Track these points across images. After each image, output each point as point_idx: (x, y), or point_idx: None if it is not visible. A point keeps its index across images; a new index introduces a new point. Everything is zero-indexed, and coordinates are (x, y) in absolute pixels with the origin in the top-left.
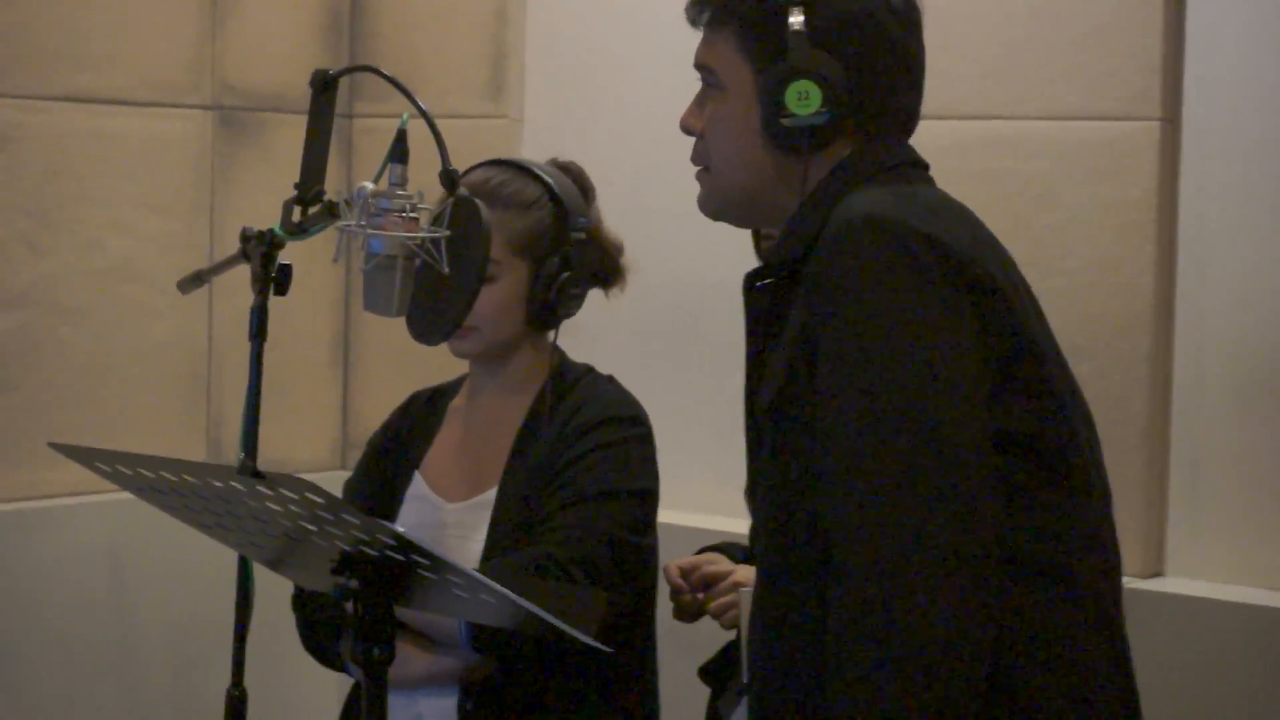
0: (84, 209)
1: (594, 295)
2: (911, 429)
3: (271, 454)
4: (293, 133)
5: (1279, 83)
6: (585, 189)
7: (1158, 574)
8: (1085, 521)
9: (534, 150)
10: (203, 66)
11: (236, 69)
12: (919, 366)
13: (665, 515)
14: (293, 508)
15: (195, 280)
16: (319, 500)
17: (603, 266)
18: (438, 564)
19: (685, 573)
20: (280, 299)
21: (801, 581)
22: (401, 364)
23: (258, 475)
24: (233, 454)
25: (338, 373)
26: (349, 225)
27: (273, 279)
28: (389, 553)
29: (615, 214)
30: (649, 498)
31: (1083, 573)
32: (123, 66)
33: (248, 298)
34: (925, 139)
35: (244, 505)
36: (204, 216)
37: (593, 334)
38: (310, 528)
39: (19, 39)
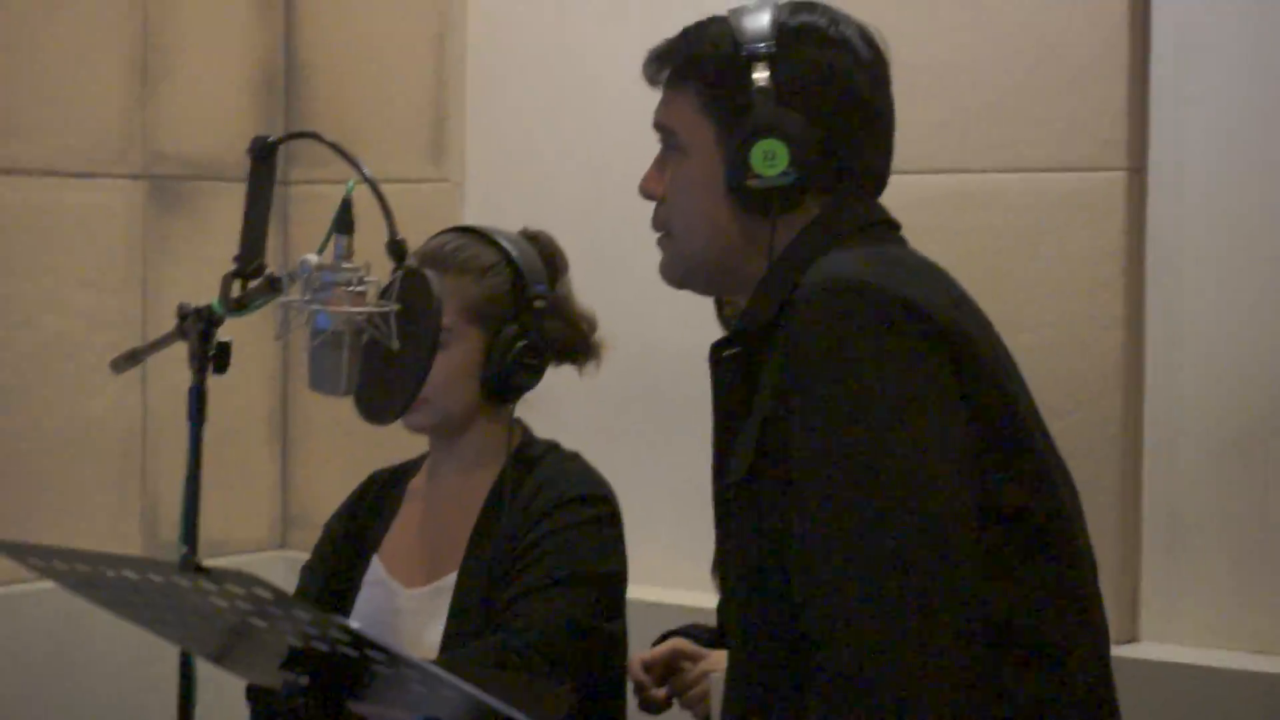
0: (11, 285)
1: (561, 368)
2: (897, 506)
3: (209, 534)
4: (229, 201)
5: (1245, 130)
6: (553, 258)
7: (1132, 639)
8: (1076, 597)
9: (476, 214)
10: (132, 134)
11: (168, 136)
12: (903, 439)
13: (630, 591)
14: (239, 603)
15: (130, 359)
16: (268, 595)
17: (571, 341)
18: (393, 659)
19: (648, 666)
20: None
21: (775, 665)
22: (343, 439)
23: (201, 570)
24: (169, 535)
25: (276, 449)
26: (293, 301)
27: (211, 357)
28: (342, 648)
29: None
30: (616, 581)
31: (1074, 653)
32: (48, 135)
33: (183, 374)
34: (889, 194)
35: (186, 601)
36: (137, 290)
37: (549, 404)
38: (258, 623)
39: None
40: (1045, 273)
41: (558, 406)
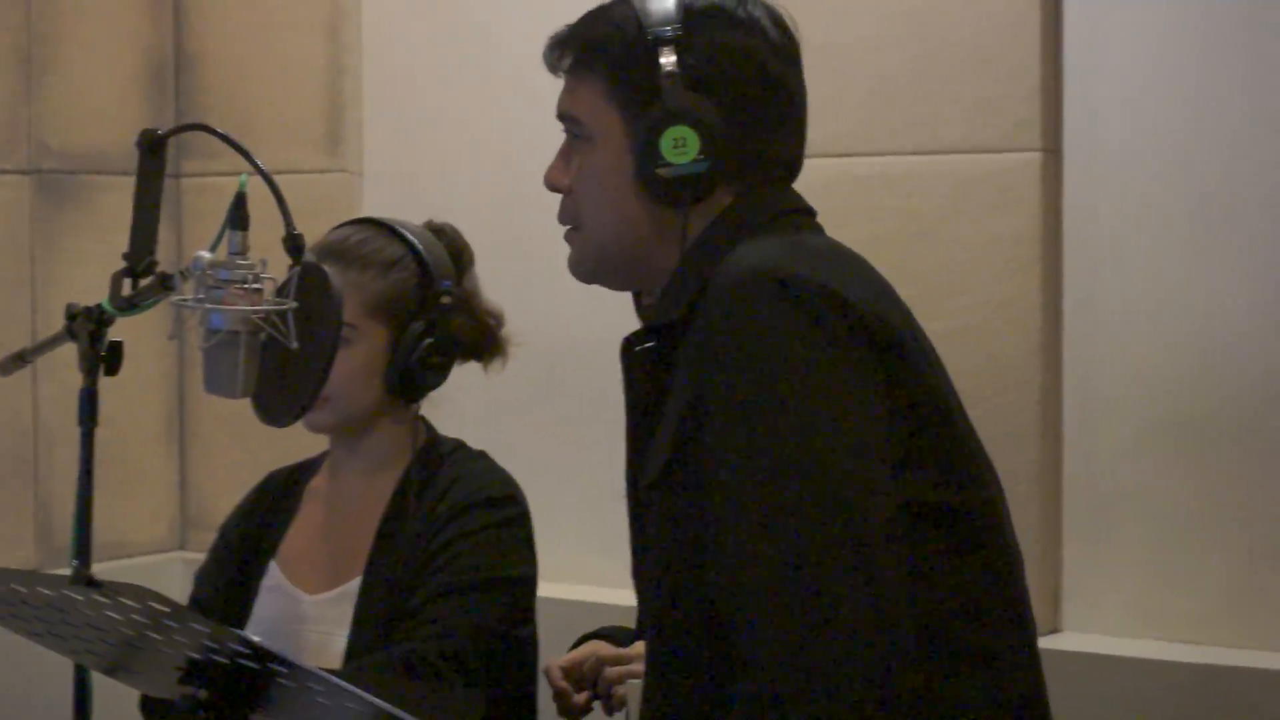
0: None
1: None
2: (816, 504)
3: (107, 535)
4: (119, 196)
5: (1162, 107)
6: (459, 252)
7: (1055, 630)
8: (1005, 595)
9: (376, 206)
10: (17, 127)
11: (55, 129)
12: (823, 434)
13: (542, 589)
14: (134, 616)
15: (17, 360)
16: (163, 609)
17: (477, 337)
18: (296, 671)
19: (567, 671)
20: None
21: (694, 672)
22: (242, 437)
23: (93, 584)
24: (64, 539)
25: (173, 449)
26: (185, 300)
27: (102, 358)
28: (241, 660)
29: None
30: (526, 585)
31: (1004, 651)
32: None
33: (75, 373)
34: (802, 176)
35: (79, 614)
36: (24, 289)
37: (452, 399)
38: (154, 635)
39: None
40: (961, 256)
41: (461, 402)
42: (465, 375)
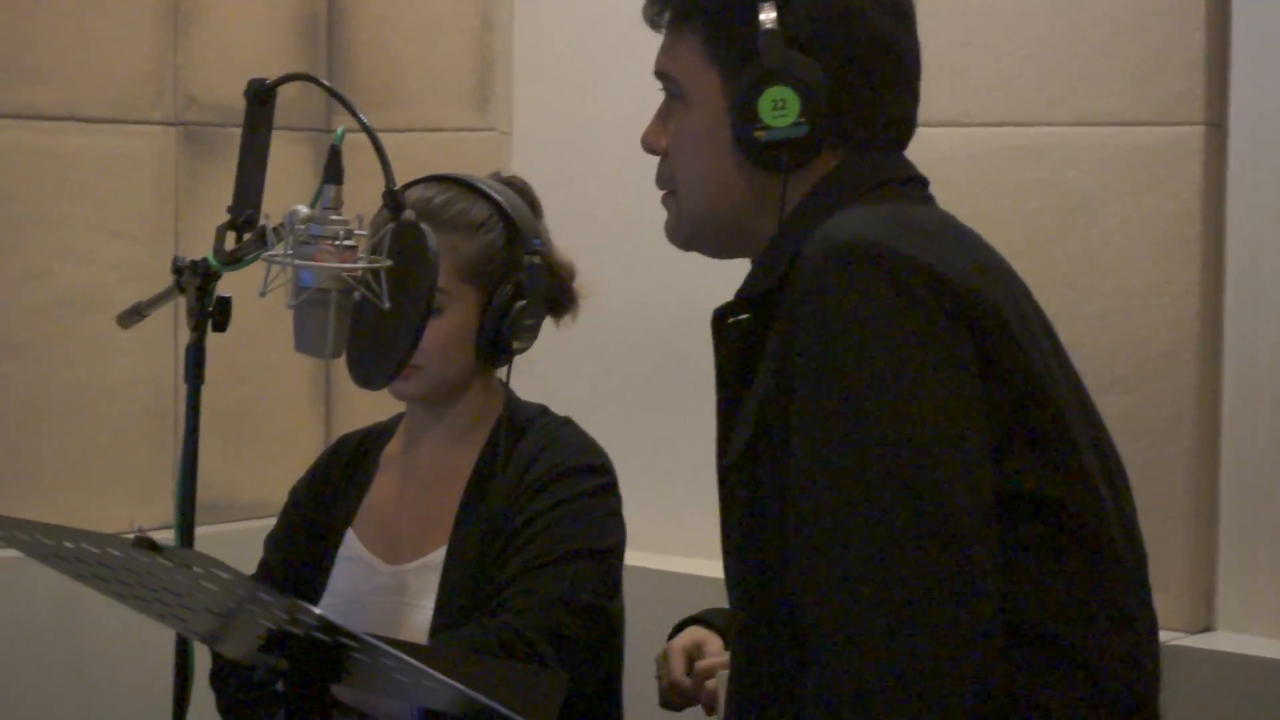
0: (31, 235)
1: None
2: (902, 493)
3: (250, 496)
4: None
5: None
6: (534, 205)
7: (1207, 629)
8: (1108, 595)
9: (524, 165)
10: (164, 79)
11: (201, 81)
12: (912, 418)
13: (630, 558)
14: (204, 584)
15: (134, 314)
16: (227, 577)
17: (556, 293)
18: (367, 647)
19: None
20: (242, 331)
21: (777, 662)
22: (389, 398)
23: (155, 549)
24: (204, 495)
25: (319, 409)
26: (275, 255)
27: (210, 314)
28: (315, 633)
29: (607, 233)
30: (615, 556)
31: (1104, 656)
32: (74, 80)
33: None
34: (946, 148)
35: (155, 578)
36: (167, 241)
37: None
38: (229, 604)
39: None
40: (1115, 234)
41: (546, 364)
42: (555, 339)
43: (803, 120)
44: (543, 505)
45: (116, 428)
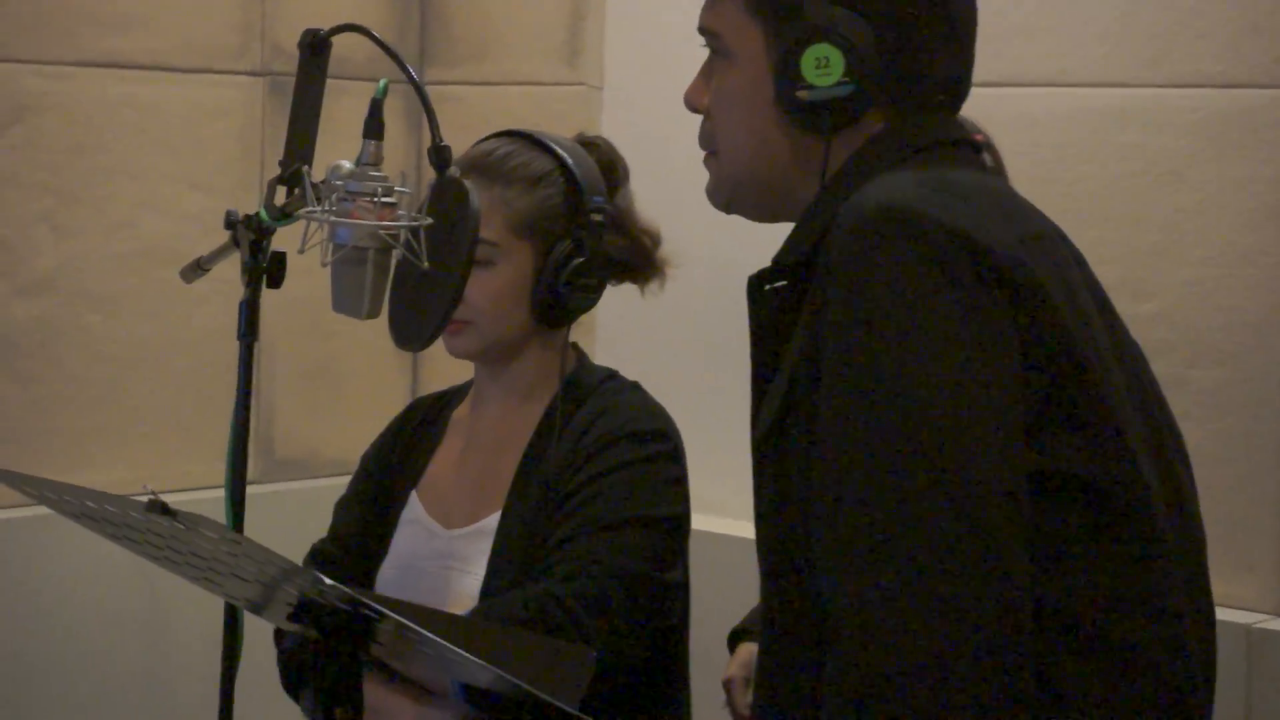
0: (115, 186)
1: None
2: (930, 470)
3: (332, 453)
4: (356, 101)
5: None
6: (612, 167)
7: None
8: (1148, 582)
9: (615, 121)
10: (251, 28)
11: (289, 31)
12: (942, 392)
13: (698, 523)
14: (224, 549)
15: (196, 268)
16: (237, 542)
17: (633, 258)
18: (391, 622)
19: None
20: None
21: (801, 641)
22: None
23: (167, 512)
24: (285, 452)
25: (405, 366)
26: (313, 211)
27: (264, 269)
28: (340, 604)
29: (699, 191)
30: (676, 525)
31: (1141, 646)
32: (160, 28)
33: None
34: (1037, 109)
35: (178, 541)
36: (252, 193)
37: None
38: (252, 570)
39: None
40: (1208, 200)
41: (623, 329)
42: (628, 303)
43: (847, 79)
44: (595, 470)
45: (198, 382)
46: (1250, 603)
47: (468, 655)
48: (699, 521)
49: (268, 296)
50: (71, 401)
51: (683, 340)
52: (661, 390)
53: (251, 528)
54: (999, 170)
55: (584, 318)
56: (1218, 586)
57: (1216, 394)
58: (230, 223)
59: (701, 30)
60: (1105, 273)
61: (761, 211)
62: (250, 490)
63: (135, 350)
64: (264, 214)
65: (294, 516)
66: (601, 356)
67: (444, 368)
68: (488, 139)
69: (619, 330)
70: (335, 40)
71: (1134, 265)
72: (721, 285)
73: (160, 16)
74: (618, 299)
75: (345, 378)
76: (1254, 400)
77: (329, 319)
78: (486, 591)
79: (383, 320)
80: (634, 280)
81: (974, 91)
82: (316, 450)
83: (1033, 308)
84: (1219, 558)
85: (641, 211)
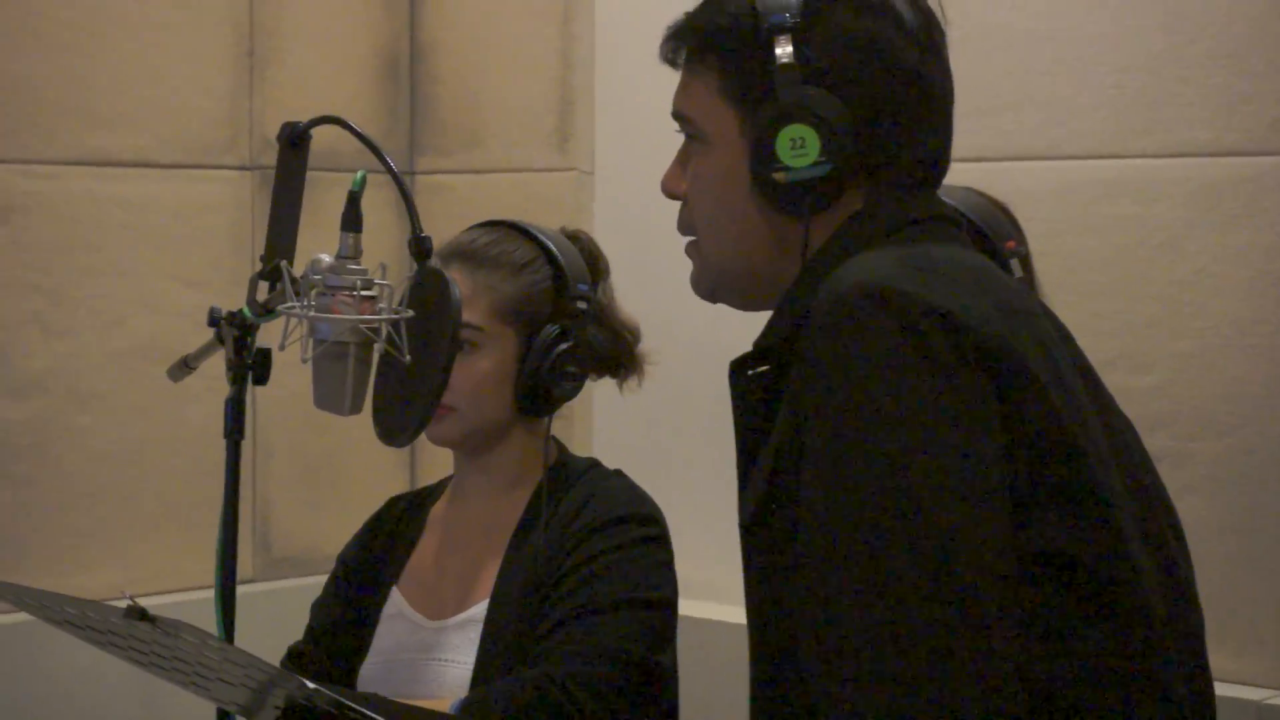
0: (104, 284)
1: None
2: (915, 556)
3: (332, 549)
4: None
5: None
6: (594, 259)
7: None
8: (1140, 663)
9: (607, 206)
10: (239, 122)
11: (278, 124)
12: (926, 474)
13: (684, 608)
14: (207, 655)
15: (182, 367)
16: (218, 648)
17: (613, 351)
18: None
19: None
20: None
21: None
22: None
23: (145, 617)
24: (282, 550)
25: (404, 460)
26: (291, 307)
27: (250, 366)
28: (328, 708)
29: (685, 281)
30: (665, 607)
31: None
32: (146, 125)
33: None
34: (1030, 183)
35: (162, 647)
36: (244, 289)
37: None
38: (238, 675)
39: (24, 96)
40: (1205, 270)
41: (597, 418)
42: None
43: (823, 159)
44: (586, 554)
45: (193, 480)
46: (1258, 678)
47: None
48: (689, 607)
49: (265, 392)
50: (65, 503)
51: (674, 425)
52: (652, 474)
53: (249, 626)
54: (1024, 254)
55: (574, 403)
56: (1224, 662)
57: (1219, 466)
58: (214, 319)
59: (675, 115)
60: (1103, 346)
61: (745, 298)
62: (248, 588)
63: (128, 450)
64: (246, 310)
65: (292, 614)
66: (594, 440)
67: (442, 461)
68: (472, 228)
69: (610, 414)
70: (327, 132)
71: (1132, 338)
72: (713, 370)
73: (146, 113)
74: (608, 383)
75: (343, 473)
76: (1258, 472)
77: (325, 414)
78: (477, 680)
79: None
80: (613, 374)
81: (965, 166)
82: (315, 547)
83: (1015, 385)
84: (1225, 633)
85: (622, 307)
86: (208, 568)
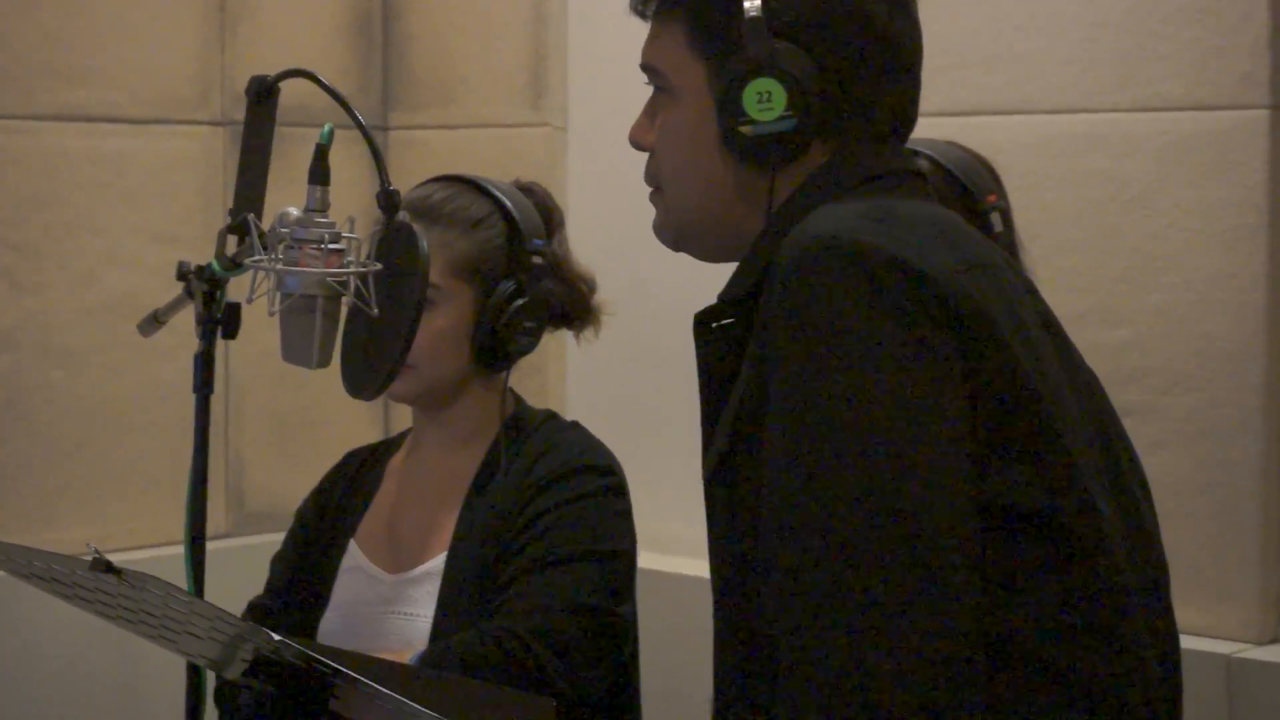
0: (76, 240)
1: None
2: (874, 506)
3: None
4: None
5: None
6: (548, 212)
7: (1276, 640)
8: (1104, 615)
9: (580, 162)
10: (210, 78)
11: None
12: (885, 426)
13: (644, 561)
14: (174, 607)
15: (153, 322)
16: (184, 600)
17: (569, 303)
18: (344, 676)
19: None
20: None
21: (752, 683)
22: None
23: (112, 570)
24: (256, 504)
25: (378, 412)
26: (259, 260)
27: (219, 321)
28: (294, 660)
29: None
30: (624, 559)
31: (1099, 680)
32: (118, 80)
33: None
34: (1002, 137)
35: (129, 600)
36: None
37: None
38: (205, 627)
39: None
40: (1177, 223)
41: (589, 363)
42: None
43: (789, 113)
44: (543, 506)
45: (166, 436)
46: (1230, 632)
47: (428, 711)
48: (653, 560)
49: (238, 348)
50: (37, 459)
51: (646, 379)
52: (624, 427)
53: (223, 581)
54: (1001, 196)
55: (545, 358)
56: (1194, 616)
57: (1191, 421)
58: (182, 274)
59: (644, 67)
60: (1075, 300)
61: (709, 249)
62: (222, 543)
63: (101, 406)
64: (215, 264)
65: (266, 569)
66: (567, 393)
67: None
68: (426, 183)
69: (582, 368)
70: (299, 87)
71: (1104, 293)
72: (686, 325)
73: (118, 68)
74: (570, 334)
75: (316, 428)
76: (1229, 426)
77: (298, 369)
78: (437, 633)
79: None
80: (570, 326)
81: (938, 121)
82: (288, 501)
83: (978, 337)
84: (1197, 587)
85: (577, 258)
86: (181, 524)
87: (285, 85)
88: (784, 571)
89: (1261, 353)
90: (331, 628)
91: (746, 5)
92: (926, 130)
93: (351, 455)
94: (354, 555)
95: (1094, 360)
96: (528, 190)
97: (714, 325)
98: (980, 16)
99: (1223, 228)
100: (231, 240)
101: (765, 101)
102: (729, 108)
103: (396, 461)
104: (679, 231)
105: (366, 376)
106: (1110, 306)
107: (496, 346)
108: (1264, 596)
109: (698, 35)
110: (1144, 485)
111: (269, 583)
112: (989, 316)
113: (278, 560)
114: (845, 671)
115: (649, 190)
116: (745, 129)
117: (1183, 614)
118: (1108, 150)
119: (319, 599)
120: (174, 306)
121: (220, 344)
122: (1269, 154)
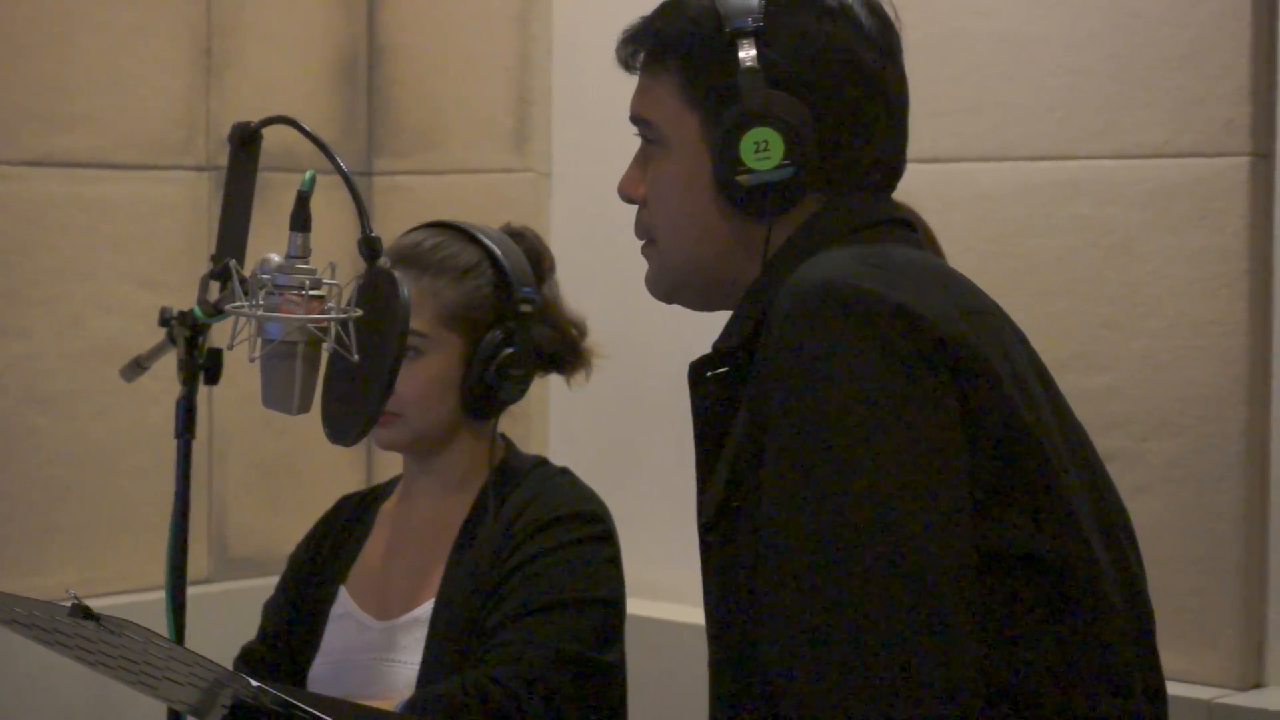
0: (62, 285)
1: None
2: (875, 553)
3: (286, 550)
4: None
5: None
6: (539, 258)
7: (1258, 685)
8: (1101, 658)
9: (565, 207)
10: (196, 124)
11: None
12: (887, 471)
13: (634, 607)
14: (153, 653)
15: (135, 367)
16: (163, 646)
17: (559, 348)
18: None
19: None
20: None
21: None
22: None
23: (90, 616)
24: (238, 550)
25: (360, 458)
26: (240, 307)
27: (202, 367)
28: (274, 707)
29: (642, 283)
30: (612, 607)
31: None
32: (105, 126)
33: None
34: (985, 184)
35: (110, 646)
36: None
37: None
38: (184, 674)
39: None
40: (1159, 270)
41: (581, 410)
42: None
43: (787, 162)
44: (529, 553)
45: (151, 481)
46: (1211, 678)
47: None
48: (641, 606)
49: (221, 393)
50: (23, 504)
51: (630, 425)
52: (608, 474)
53: (205, 626)
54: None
55: (530, 402)
56: (1176, 661)
57: (1173, 467)
58: (165, 319)
59: (634, 119)
60: (1058, 346)
61: (704, 299)
62: (204, 589)
63: (86, 451)
64: (197, 310)
65: (249, 614)
66: (550, 439)
67: (399, 460)
68: (415, 230)
69: (566, 414)
70: (283, 133)
71: (1086, 338)
72: (670, 371)
73: (104, 114)
74: (564, 381)
75: (299, 473)
76: (1212, 472)
77: (282, 415)
78: (423, 680)
79: None
80: (560, 371)
81: (922, 168)
82: (271, 547)
83: (976, 382)
84: (1177, 632)
85: (568, 302)
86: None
87: (269, 130)
88: (783, 619)
89: (1243, 399)
90: (321, 674)
91: (742, 55)
92: (911, 177)
93: (345, 500)
94: (344, 602)
95: (1077, 406)
96: (518, 235)
97: (709, 374)
98: (964, 64)
99: (1205, 274)
100: (214, 286)
101: (762, 150)
102: (726, 157)
103: (388, 508)
104: (674, 283)
105: (347, 423)
106: (1093, 352)
107: (485, 395)
108: (1245, 641)
109: (691, 86)
110: (1131, 535)
111: (261, 628)
112: (987, 362)
113: (270, 607)
114: (846, 714)
115: (640, 243)
116: (743, 178)
117: (1164, 659)
118: (1090, 197)
119: (310, 645)
120: (157, 352)
121: (203, 389)
122: (1250, 201)
